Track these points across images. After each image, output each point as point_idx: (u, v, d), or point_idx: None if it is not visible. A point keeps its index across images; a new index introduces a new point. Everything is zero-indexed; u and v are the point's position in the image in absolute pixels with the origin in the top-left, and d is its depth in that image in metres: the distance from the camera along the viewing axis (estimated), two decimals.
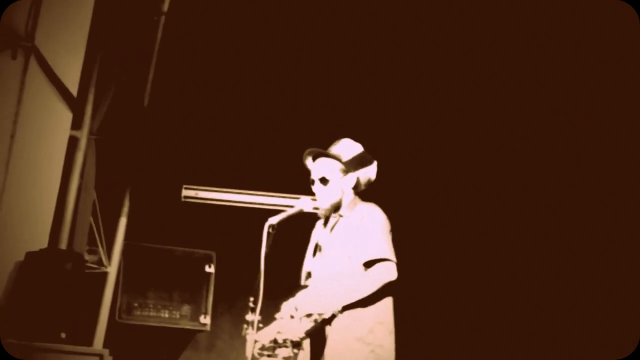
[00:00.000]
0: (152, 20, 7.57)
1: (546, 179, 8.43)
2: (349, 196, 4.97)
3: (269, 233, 4.59)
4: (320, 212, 5.01)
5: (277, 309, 4.71)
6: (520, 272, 8.34)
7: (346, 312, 4.66)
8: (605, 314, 8.08)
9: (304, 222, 5.20)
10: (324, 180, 4.93)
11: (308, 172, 5.04)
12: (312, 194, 4.97)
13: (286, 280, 5.06)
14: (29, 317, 5.84)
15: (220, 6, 8.11)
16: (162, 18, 7.64)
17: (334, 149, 4.96)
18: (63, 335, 5.87)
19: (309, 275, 5.04)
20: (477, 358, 8.06)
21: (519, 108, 8.34)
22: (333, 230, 4.94)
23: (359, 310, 4.68)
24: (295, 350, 4.61)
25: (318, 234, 5.09)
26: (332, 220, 4.97)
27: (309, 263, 5.06)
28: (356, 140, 5.04)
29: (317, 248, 5.02)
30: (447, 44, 8.19)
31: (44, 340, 5.67)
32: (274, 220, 4.64)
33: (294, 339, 4.59)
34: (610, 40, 7.90)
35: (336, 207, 4.95)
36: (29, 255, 6.04)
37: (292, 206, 4.89)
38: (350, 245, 4.78)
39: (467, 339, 8.25)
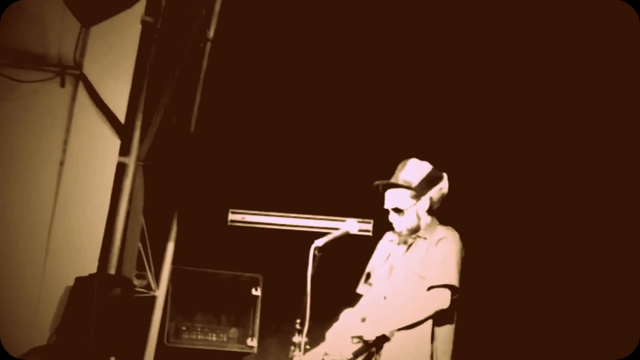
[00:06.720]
0: (198, 47, 7.65)
1: (546, 179, 8.31)
2: (426, 219, 4.91)
3: (315, 255, 4.59)
4: (400, 238, 4.92)
5: (324, 331, 4.71)
6: (520, 273, 8.20)
7: (400, 334, 4.61)
8: (605, 314, 7.96)
9: (350, 245, 5.20)
10: (397, 210, 4.85)
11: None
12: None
13: (332, 302, 5.06)
14: (79, 341, 5.91)
15: (266, 33, 8.18)
16: (208, 45, 7.71)
17: (402, 175, 4.86)
18: (113, 359, 5.92)
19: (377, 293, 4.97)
20: (476, 358, 7.94)
21: (518, 108, 8.25)
22: (409, 251, 4.87)
23: (414, 332, 4.64)
24: None
25: (390, 251, 4.99)
26: (409, 240, 4.89)
27: (380, 282, 4.94)
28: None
29: (390, 268, 4.92)
30: (453, 46, 8.18)
31: None
32: (319, 242, 4.65)
33: None
34: (610, 40, 7.83)
35: (414, 231, 4.89)
36: (79, 280, 6.12)
37: (337, 228, 4.88)
38: (424, 267, 4.72)
39: (466, 339, 8.13)
